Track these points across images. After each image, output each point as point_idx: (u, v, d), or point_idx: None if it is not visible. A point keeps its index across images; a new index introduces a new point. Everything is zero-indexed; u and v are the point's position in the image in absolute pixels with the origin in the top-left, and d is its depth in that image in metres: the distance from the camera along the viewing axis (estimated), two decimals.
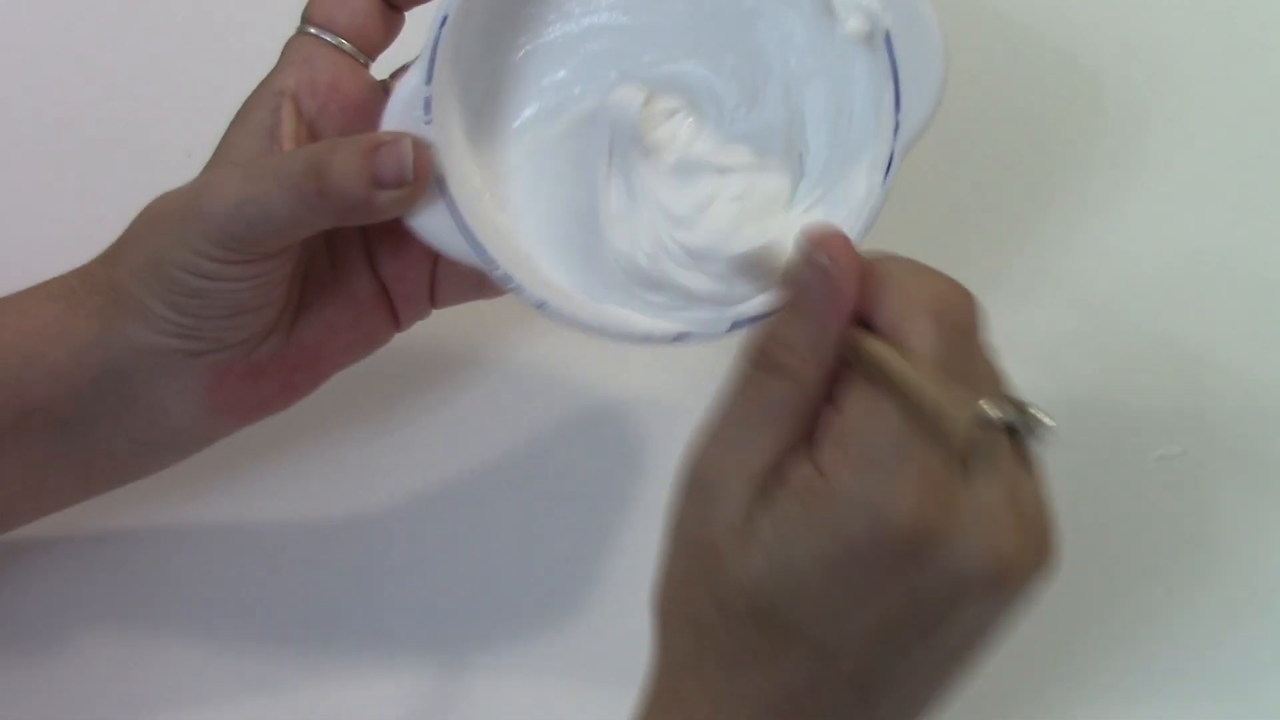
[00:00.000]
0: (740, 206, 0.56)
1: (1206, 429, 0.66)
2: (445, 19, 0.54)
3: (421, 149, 0.54)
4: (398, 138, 0.54)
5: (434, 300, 0.60)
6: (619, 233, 0.56)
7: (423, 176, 0.54)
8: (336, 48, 0.56)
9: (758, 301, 0.54)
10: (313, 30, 0.57)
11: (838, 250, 0.45)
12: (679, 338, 0.54)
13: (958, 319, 0.45)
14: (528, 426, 0.67)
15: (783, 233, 0.54)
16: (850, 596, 0.44)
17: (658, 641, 0.48)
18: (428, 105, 0.54)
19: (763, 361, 0.46)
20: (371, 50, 0.57)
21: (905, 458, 0.43)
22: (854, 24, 0.54)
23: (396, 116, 0.55)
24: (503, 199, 0.57)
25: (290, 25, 0.64)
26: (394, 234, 0.57)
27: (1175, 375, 0.67)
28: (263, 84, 0.57)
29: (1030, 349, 0.66)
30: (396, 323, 0.60)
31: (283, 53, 0.57)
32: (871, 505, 0.43)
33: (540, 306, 0.54)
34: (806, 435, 0.45)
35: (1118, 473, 0.65)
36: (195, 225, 0.54)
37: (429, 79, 0.54)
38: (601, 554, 0.64)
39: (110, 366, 0.56)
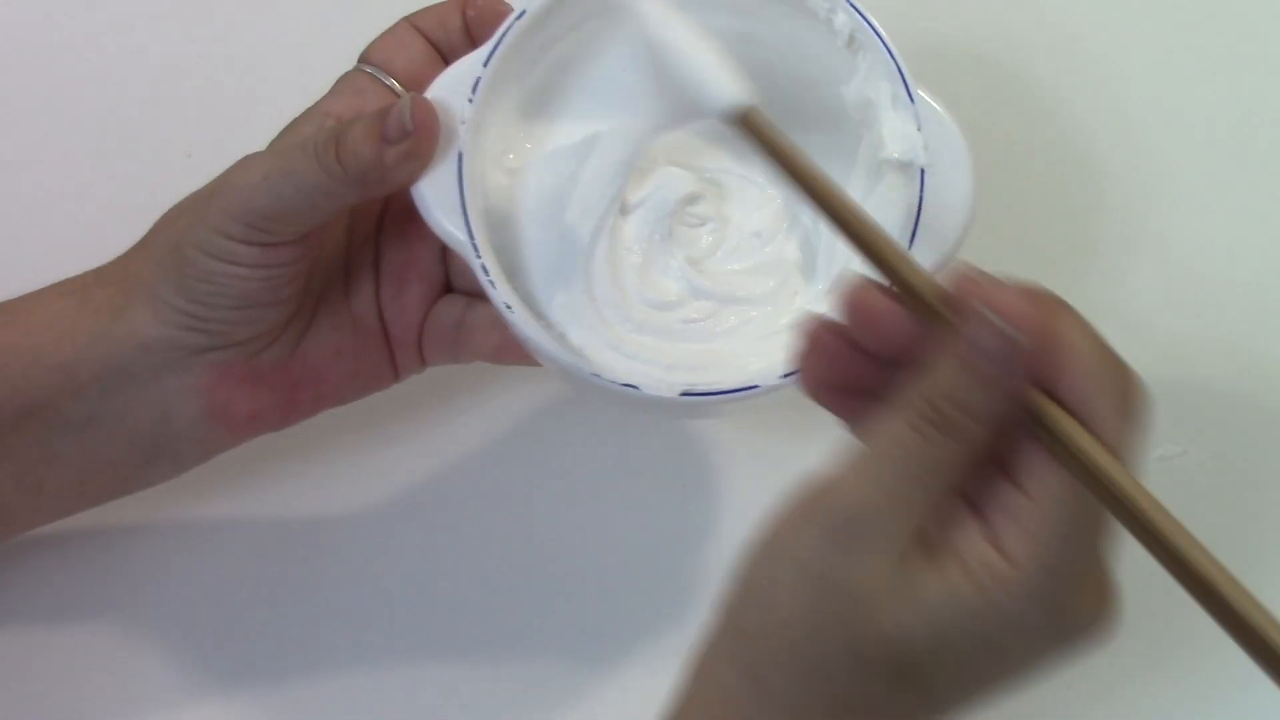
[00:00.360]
0: (725, 342, 0.57)
1: (1207, 429, 0.66)
2: (523, 14, 0.56)
3: (424, 106, 0.55)
4: (402, 98, 0.55)
5: (420, 348, 0.60)
6: (605, 278, 0.57)
7: (423, 130, 0.54)
8: (389, 89, 0.57)
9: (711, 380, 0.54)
10: (369, 69, 0.58)
11: (1020, 313, 0.43)
12: (626, 385, 0.54)
13: (1138, 411, 0.44)
14: (531, 431, 0.66)
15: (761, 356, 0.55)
16: (996, 671, 0.44)
17: (727, 666, 0.46)
18: (476, 85, 0.55)
19: (937, 420, 0.43)
20: None
21: (1095, 563, 0.44)
22: (894, 152, 0.55)
23: (444, 85, 0.56)
24: (519, 199, 0.58)
25: (290, 25, 0.64)
26: (399, 272, 0.59)
27: (1175, 375, 0.67)
28: (313, 106, 0.58)
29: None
30: (395, 368, 0.60)
31: (337, 83, 0.58)
32: (1055, 609, 0.43)
33: (507, 309, 0.54)
34: (967, 496, 0.44)
35: None
36: (218, 202, 0.55)
37: (486, 62, 0.55)
38: (606, 556, 0.64)
39: (114, 363, 0.56)
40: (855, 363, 0.46)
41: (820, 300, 0.57)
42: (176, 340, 0.56)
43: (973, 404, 0.43)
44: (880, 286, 0.45)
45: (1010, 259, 0.51)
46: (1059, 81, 0.72)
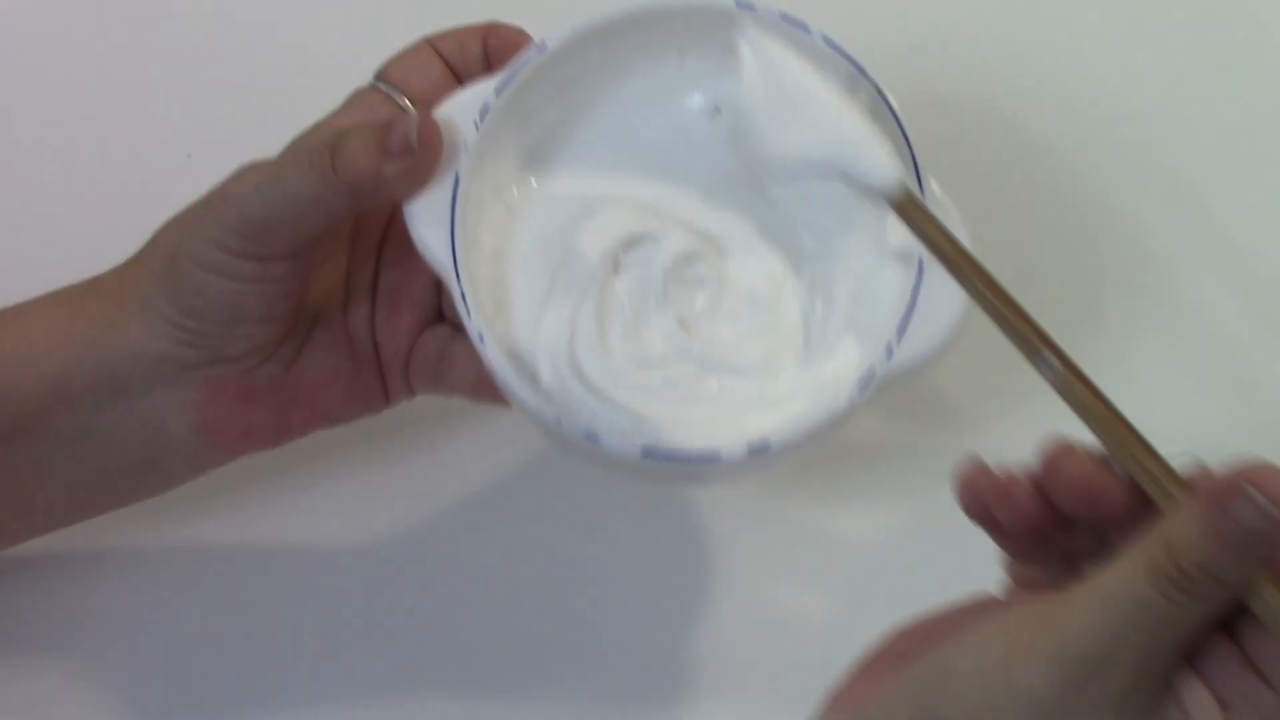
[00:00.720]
0: (700, 407, 0.56)
1: (1207, 429, 0.66)
2: (544, 47, 0.55)
3: (431, 125, 0.54)
4: (410, 114, 0.54)
5: (407, 374, 0.60)
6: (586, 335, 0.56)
7: (427, 148, 0.54)
8: (402, 109, 0.57)
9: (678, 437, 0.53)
10: (384, 87, 0.57)
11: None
12: (587, 435, 0.53)
13: None
14: (531, 457, 0.66)
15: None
16: None
17: None
18: (485, 111, 0.55)
19: (1181, 582, 0.43)
20: None
21: None
22: (897, 242, 0.54)
23: (454, 106, 0.55)
24: (515, 236, 0.57)
25: (290, 25, 0.64)
26: (394, 295, 0.59)
27: (1177, 375, 0.67)
28: (322, 121, 0.57)
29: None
30: (385, 393, 0.60)
31: (349, 98, 0.58)
32: None
33: (479, 339, 0.53)
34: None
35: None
36: (213, 213, 0.54)
37: (500, 91, 0.55)
38: (605, 582, 0.64)
39: (106, 375, 0.56)
40: (1040, 514, 0.46)
41: (806, 381, 0.56)
42: (170, 354, 0.55)
43: (1223, 573, 0.43)
44: (1090, 455, 0.46)
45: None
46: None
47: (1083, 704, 0.43)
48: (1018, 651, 0.43)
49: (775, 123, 0.54)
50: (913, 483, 0.65)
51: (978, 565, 0.48)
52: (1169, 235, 0.70)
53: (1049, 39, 0.74)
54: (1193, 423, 0.66)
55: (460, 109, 0.55)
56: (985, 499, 0.47)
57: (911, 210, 0.51)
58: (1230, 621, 0.44)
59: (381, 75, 0.58)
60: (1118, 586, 0.43)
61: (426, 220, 0.54)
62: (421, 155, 0.54)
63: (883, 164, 0.52)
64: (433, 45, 0.58)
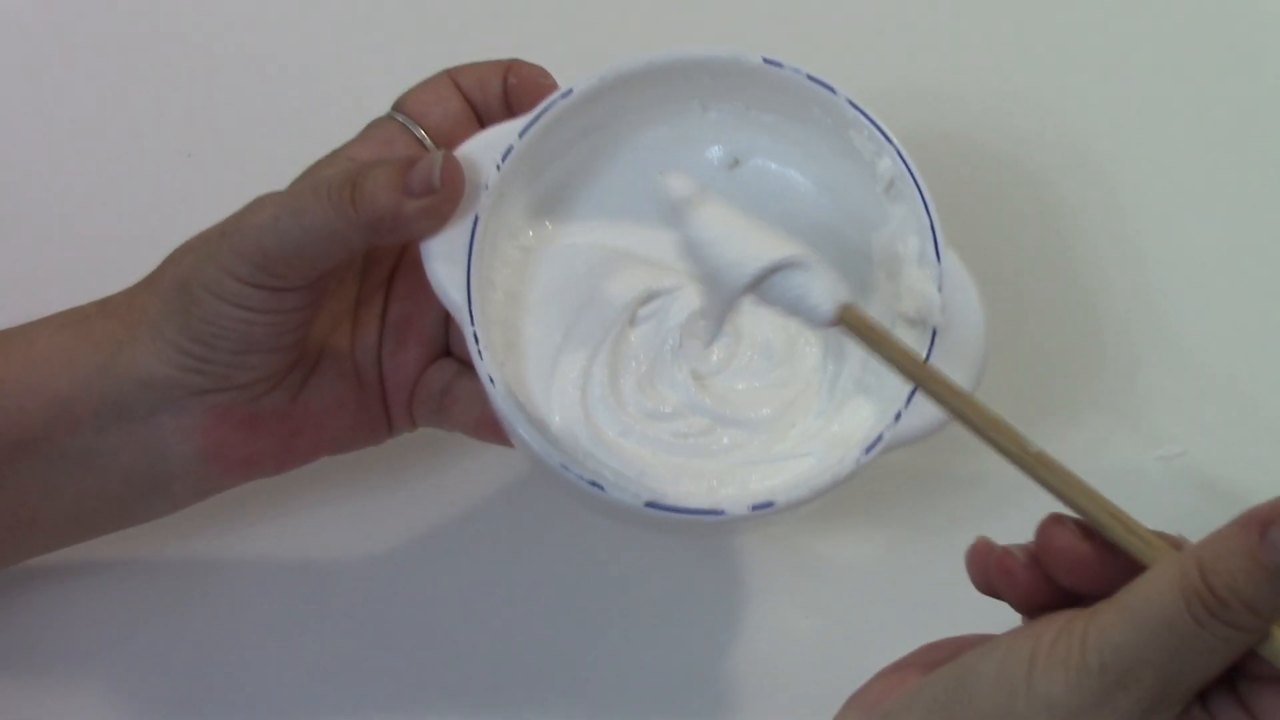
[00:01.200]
0: (710, 462, 0.56)
1: (1206, 429, 0.66)
2: (569, 92, 0.55)
3: (454, 165, 0.54)
4: (434, 153, 0.54)
5: (411, 407, 0.59)
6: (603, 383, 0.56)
7: (450, 189, 0.53)
8: (419, 141, 0.57)
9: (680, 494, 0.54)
10: (400, 119, 0.57)
11: None
12: (592, 484, 0.53)
13: None
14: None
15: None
16: None
17: None
18: (507, 153, 0.55)
19: (1216, 608, 0.43)
20: None
21: None
22: (911, 309, 0.54)
23: (476, 146, 0.55)
24: (530, 280, 0.57)
25: (290, 25, 0.64)
26: (402, 327, 0.58)
27: (1175, 375, 0.67)
28: (338, 150, 0.57)
29: (1029, 347, 0.67)
30: (389, 423, 0.60)
31: (366, 128, 0.58)
32: None
33: (490, 382, 0.53)
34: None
35: (1118, 473, 0.65)
36: (228, 242, 0.54)
37: (523, 133, 0.55)
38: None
39: (112, 399, 0.55)
40: (1040, 588, 0.46)
41: (815, 439, 0.56)
42: (176, 380, 0.55)
43: (1256, 601, 0.42)
44: (1078, 526, 0.46)
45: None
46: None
47: (1101, 717, 0.43)
48: (1040, 657, 0.43)
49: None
50: (911, 504, 0.65)
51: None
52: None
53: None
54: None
55: (482, 149, 0.55)
56: (989, 576, 0.47)
57: (860, 328, 0.50)
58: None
59: (399, 106, 0.58)
60: (1146, 603, 0.43)
61: (443, 258, 0.54)
62: (444, 195, 0.53)
63: (822, 298, 0.50)
64: (453, 78, 0.58)
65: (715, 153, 0.59)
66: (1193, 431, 0.66)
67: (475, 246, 0.54)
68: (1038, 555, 0.46)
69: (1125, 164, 0.71)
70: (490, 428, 0.58)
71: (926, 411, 0.52)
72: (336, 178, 0.54)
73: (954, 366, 0.52)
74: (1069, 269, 0.70)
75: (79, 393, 0.55)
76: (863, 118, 0.55)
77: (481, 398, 0.55)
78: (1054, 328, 0.69)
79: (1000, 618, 0.47)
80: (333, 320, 0.58)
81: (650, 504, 0.52)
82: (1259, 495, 0.63)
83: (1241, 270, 0.69)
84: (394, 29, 0.60)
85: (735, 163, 0.59)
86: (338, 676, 0.62)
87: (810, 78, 0.56)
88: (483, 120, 0.58)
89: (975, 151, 0.72)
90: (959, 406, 0.47)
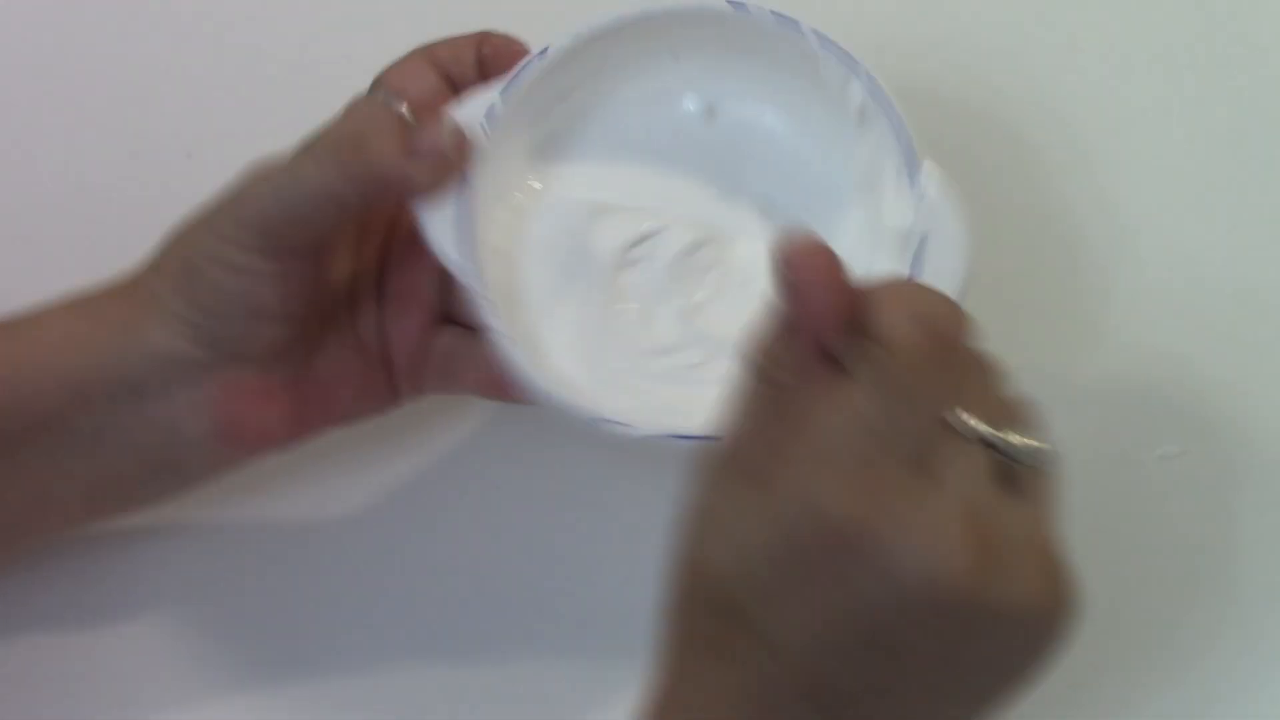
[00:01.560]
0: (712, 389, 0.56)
1: (1206, 429, 0.66)
2: (545, 50, 0.57)
3: (460, 133, 0.55)
4: (439, 118, 0.56)
5: (416, 375, 0.60)
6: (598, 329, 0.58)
7: (456, 154, 0.55)
8: (401, 116, 0.57)
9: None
10: (382, 95, 0.58)
11: (809, 270, 0.45)
12: (602, 421, 0.54)
13: (938, 324, 0.45)
14: (534, 442, 0.66)
15: None
16: (789, 590, 0.44)
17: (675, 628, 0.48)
18: (491, 113, 0.56)
19: (752, 370, 0.46)
20: None
21: (850, 451, 0.43)
22: (893, 223, 0.56)
23: (460, 112, 0.56)
24: (520, 236, 0.59)
25: (290, 25, 0.64)
26: (401, 297, 0.59)
27: (1176, 375, 0.67)
28: (326, 125, 0.57)
29: (1030, 349, 0.67)
30: (395, 391, 0.61)
31: (347, 106, 0.58)
32: (807, 494, 0.43)
33: (507, 342, 0.54)
34: None
35: (1118, 473, 0.65)
36: (229, 211, 0.55)
37: (504, 95, 0.57)
38: (603, 561, 0.64)
39: (125, 377, 0.56)
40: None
41: None
42: (187, 354, 0.56)
43: (776, 353, 0.46)
44: None
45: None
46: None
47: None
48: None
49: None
50: None
51: None
52: (1158, 236, 0.70)
53: (1046, 41, 0.74)
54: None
55: (465, 113, 0.56)
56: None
57: None
58: None
59: (379, 83, 0.59)
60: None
61: (439, 221, 0.55)
62: (454, 157, 0.55)
63: None
64: (428, 53, 0.59)
65: (691, 103, 0.61)
66: (1192, 431, 0.66)
67: (472, 209, 0.55)
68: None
69: (1125, 164, 0.72)
70: (499, 388, 0.58)
71: None
72: (340, 137, 0.55)
73: (939, 274, 0.53)
74: (1063, 267, 0.70)
75: (93, 373, 0.56)
76: (829, 45, 0.57)
77: (486, 358, 0.56)
78: (1046, 323, 0.69)
79: None
80: (333, 294, 0.59)
81: (659, 434, 0.54)
82: (1258, 495, 0.64)
83: (1242, 270, 0.69)
84: (396, 30, 0.60)
85: (711, 112, 0.60)
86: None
87: (774, 14, 0.57)
88: (459, 92, 0.59)
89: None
90: None
